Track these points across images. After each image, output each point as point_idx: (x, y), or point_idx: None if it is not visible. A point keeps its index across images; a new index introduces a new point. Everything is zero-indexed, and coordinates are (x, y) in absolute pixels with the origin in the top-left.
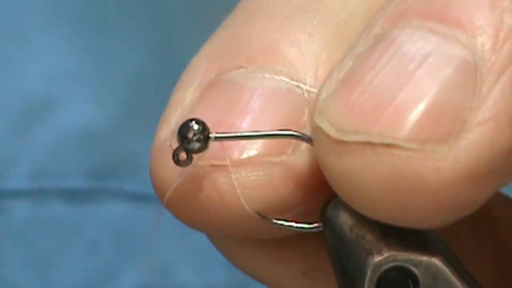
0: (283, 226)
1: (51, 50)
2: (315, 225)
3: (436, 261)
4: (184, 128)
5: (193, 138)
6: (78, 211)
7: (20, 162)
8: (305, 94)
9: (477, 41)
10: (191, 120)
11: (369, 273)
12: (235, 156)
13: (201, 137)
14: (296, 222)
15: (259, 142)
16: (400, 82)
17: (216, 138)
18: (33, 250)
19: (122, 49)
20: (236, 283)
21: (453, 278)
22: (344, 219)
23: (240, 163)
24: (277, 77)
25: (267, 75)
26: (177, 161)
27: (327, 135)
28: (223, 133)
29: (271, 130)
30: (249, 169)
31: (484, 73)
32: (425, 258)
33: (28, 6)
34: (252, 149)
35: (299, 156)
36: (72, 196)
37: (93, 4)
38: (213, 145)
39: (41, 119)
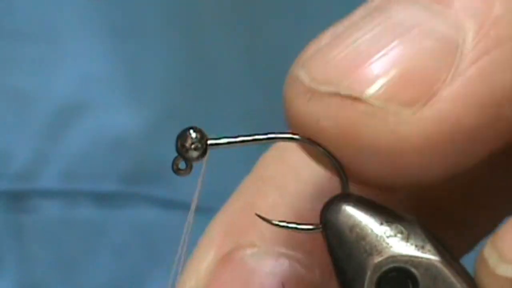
0: (282, 227)
1: (87, 54)
2: (315, 225)
3: (435, 262)
4: (182, 137)
5: (191, 147)
6: (107, 215)
7: (53, 163)
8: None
9: (464, 23)
10: (189, 128)
11: (369, 273)
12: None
13: (199, 145)
14: (296, 224)
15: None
16: (380, 44)
17: (212, 145)
18: (61, 250)
19: (157, 56)
20: None
21: (452, 279)
22: (344, 220)
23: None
24: (286, 263)
25: (278, 259)
26: (176, 170)
27: (301, 83)
28: (219, 139)
29: (269, 134)
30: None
31: (465, 53)
32: (424, 259)
33: (65, 10)
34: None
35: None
36: (102, 199)
37: (129, 11)
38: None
39: (74, 121)
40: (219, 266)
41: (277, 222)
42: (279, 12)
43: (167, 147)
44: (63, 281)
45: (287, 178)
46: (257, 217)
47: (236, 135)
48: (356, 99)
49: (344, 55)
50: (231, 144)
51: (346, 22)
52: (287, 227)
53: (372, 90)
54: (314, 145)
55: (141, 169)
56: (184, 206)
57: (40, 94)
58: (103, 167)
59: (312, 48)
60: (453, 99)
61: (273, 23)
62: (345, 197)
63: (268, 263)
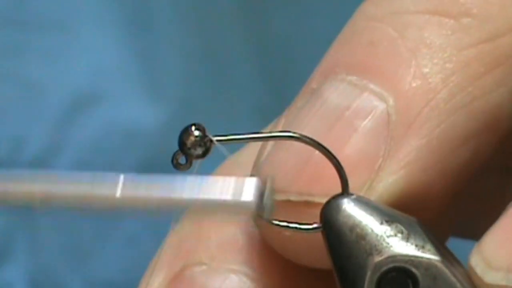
0: (283, 227)
1: (102, 44)
2: (315, 225)
3: (436, 262)
4: (184, 134)
5: (194, 144)
6: None
7: (66, 152)
8: None
9: (391, 93)
10: (191, 125)
11: (369, 273)
12: None
13: (202, 143)
14: (296, 223)
15: None
16: (320, 139)
17: (217, 141)
18: (72, 238)
19: (171, 48)
20: None
21: (452, 278)
22: (344, 220)
23: None
24: (235, 278)
25: (227, 275)
26: (176, 165)
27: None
28: (222, 136)
29: (272, 132)
30: None
31: (397, 123)
32: (425, 259)
33: (80, 0)
34: None
35: None
36: None
37: (144, 3)
38: None
39: (88, 111)
40: (169, 285)
41: (277, 222)
42: (289, 8)
43: None
44: (74, 269)
45: None
46: (205, 236)
47: (238, 132)
48: (308, 203)
49: (288, 156)
50: (234, 141)
51: (289, 114)
52: (287, 226)
53: (318, 189)
54: (315, 144)
55: (153, 160)
56: None
57: (55, 84)
58: (116, 157)
59: (265, 147)
60: (396, 172)
61: (282, 19)
62: (345, 197)
63: (217, 279)
